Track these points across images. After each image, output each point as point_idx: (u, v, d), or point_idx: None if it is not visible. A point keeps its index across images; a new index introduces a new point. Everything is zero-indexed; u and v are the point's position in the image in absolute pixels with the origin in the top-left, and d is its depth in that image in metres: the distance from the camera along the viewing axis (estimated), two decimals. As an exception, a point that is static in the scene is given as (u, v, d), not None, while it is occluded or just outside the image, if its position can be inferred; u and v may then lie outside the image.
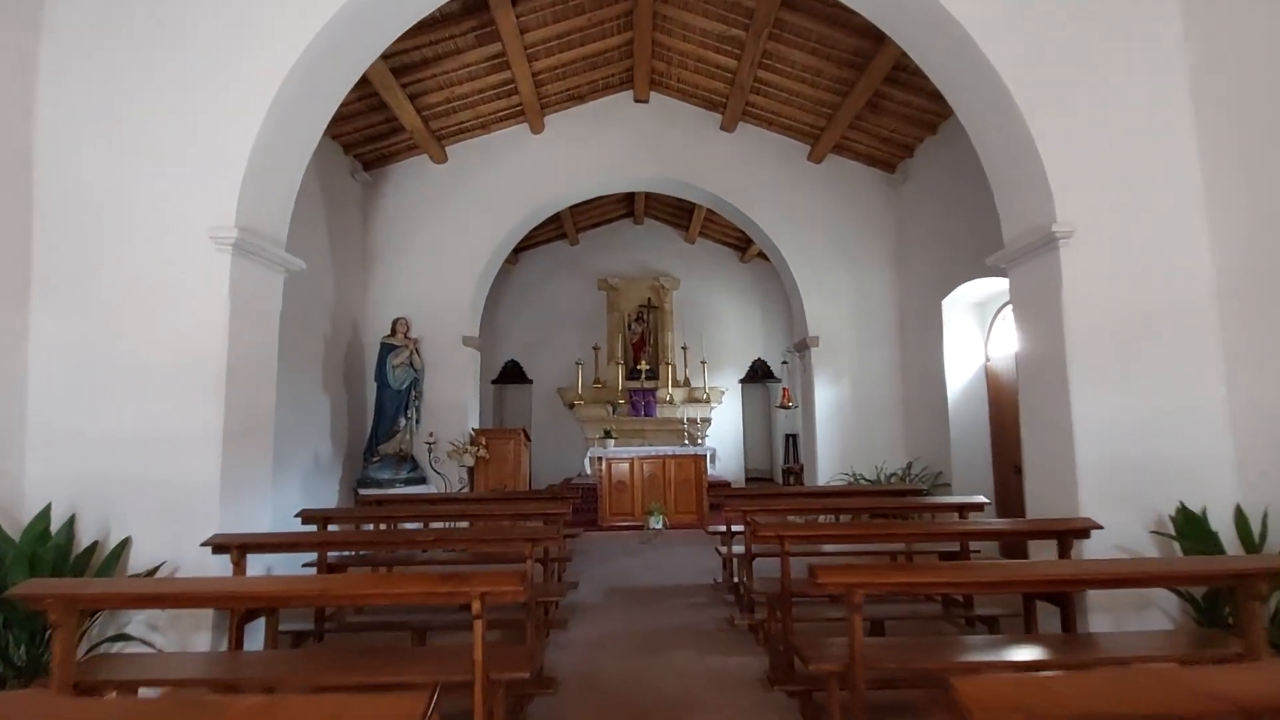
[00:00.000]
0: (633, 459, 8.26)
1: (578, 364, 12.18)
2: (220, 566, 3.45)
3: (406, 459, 7.15)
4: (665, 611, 4.82)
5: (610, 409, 11.87)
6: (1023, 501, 6.23)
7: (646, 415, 11.80)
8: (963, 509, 4.42)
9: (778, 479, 13.38)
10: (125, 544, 3.52)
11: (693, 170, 8.17)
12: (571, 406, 12.18)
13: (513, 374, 13.00)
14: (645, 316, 12.93)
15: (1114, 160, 3.89)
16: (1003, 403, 6.64)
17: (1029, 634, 3.49)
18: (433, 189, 8.10)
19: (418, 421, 7.39)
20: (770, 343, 13.24)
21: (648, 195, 12.07)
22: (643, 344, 12.82)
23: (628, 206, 12.73)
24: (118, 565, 3.45)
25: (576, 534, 5.42)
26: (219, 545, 3.37)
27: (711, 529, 5.46)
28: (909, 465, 7.37)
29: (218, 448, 3.57)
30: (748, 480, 12.88)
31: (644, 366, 12.23)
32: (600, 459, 8.20)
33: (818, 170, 8.30)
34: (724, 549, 5.05)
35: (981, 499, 4.53)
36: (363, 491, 6.91)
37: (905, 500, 4.70)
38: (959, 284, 6.80)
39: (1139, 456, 3.64)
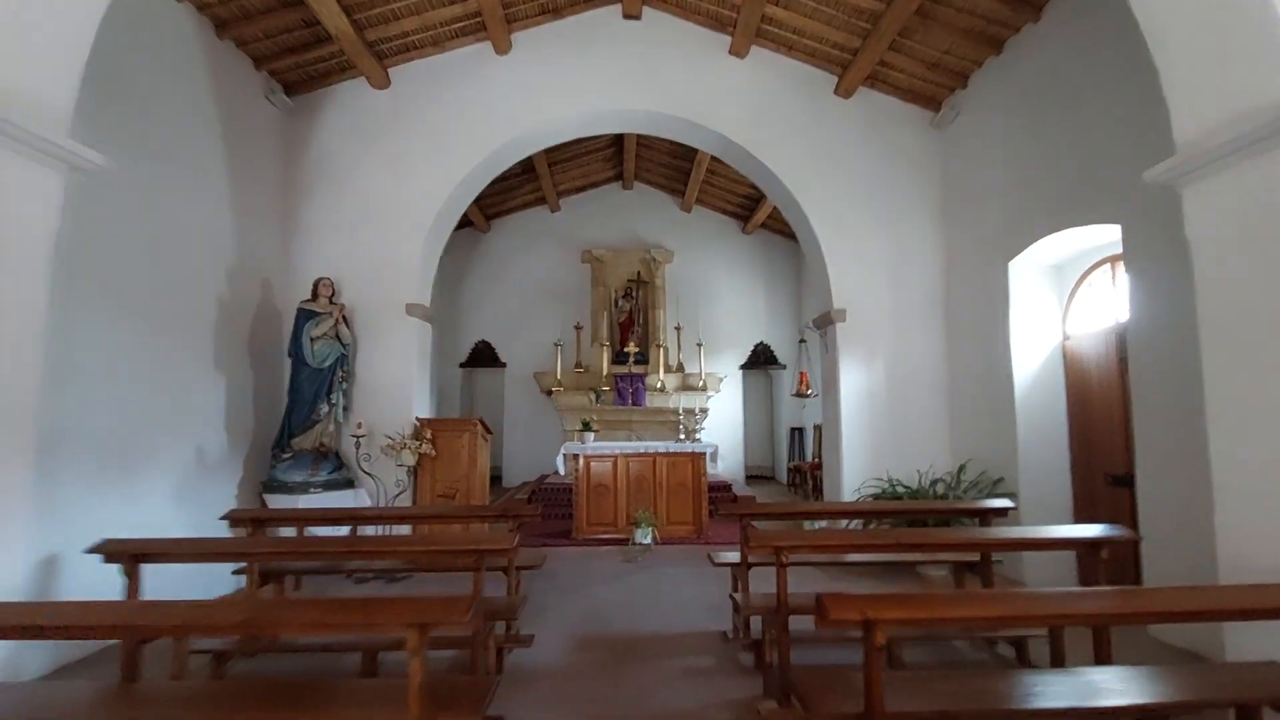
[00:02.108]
0: (616, 456, 6.77)
1: (557, 345, 10.67)
2: None
3: (328, 456, 5.62)
4: (658, 682, 3.35)
5: (593, 396, 10.37)
6: (1122, 520, 4.84)
7: (635, 404, 10.31)
8: (1101, 545, 2.96)
9: (780, 477, 11.97)
10: None
11: (694, 105, 6.64)
12: (549, 393, 10.68)
13: (483, 356, 11.48)
14: (634, 293, 11.42)
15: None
16: (1088, 392, 5.21)
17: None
18: (372, 120, 6.52)
19: (345, 409, 5.86)
20: (775, 324, 11.78)
21: (639, 154, 10.55)
22: (631, 324, 11.32)
23: (616, 167, 11.19)
24: None
25: (535, 564, 3.94)
26: None
27: (719, 560, 3.98)
28: (960, 469, 5.93)
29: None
30: (748, 480, 11.45)
31: (632, 349, 10.73)
32: (577, 456, 6.71)
33: (846, 107, 6.79)
34: (738, 595, 3.57)
35: (1124, 532, 3.08)
36: (269, 498, 5.39)
37: (999, 533, 3.23)
38: (1031, 242, 5.34)
39: None
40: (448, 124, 6.50)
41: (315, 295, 5.85)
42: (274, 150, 6.24)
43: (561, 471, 6.80)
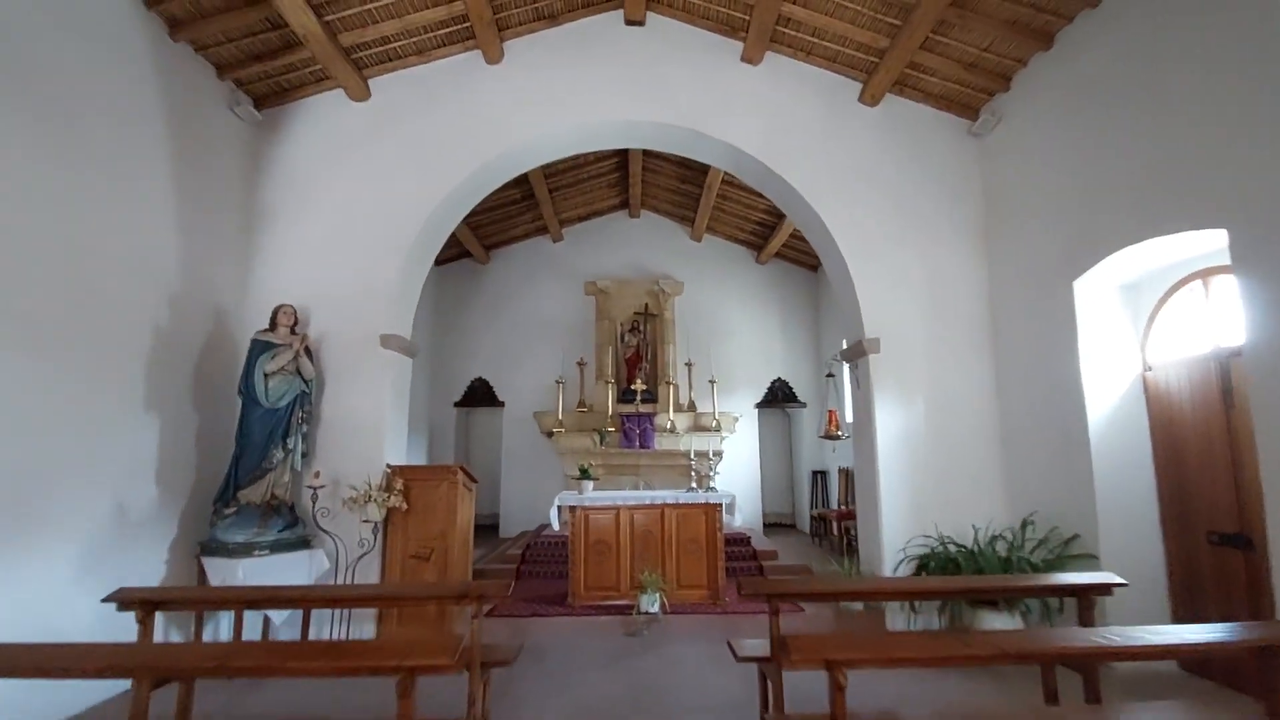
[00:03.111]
0: (619, 508, 5.90)
1: (559, 383, 9.91)
2: None
3: (279, 511, 4.81)
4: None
5: (598, 438, 9.55)
6: (1235, 591, 3.93)
7: (642, 446, 9.46)
8: (1285, 654, 2.09)
9: (802, 525, 10.99)
10: None
11: (704, 117, 6.00)
12: (550, 435, 9.87)
13: (480, 395, 10.73)
14: (641, 327, 10.69)
15: None
16: (1180, 432, 4.34)
17: None
18: (349, 134, 5.92)
19: (304, 455, 5.08)
20: (793, 359, 10.98)
21: (645, 179, 9.98)
22: (638, 360, 10.55)
23: (621, 194, 10.61)
24: None
25: (504, 661, 3.07)
26: None
27: (743, 653, 3.11)
28: (1023, 525, 5.02)
29: None
30: (766, 529, 10.48)
31: (640, 387, 9.94)
32: (574, 508, 5.85)
33: (872, 116, 6.13)
34: (771, 715, 2.69)
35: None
36: (207, 562, 4.57)
37: (1137, 638, 2.33)
38: (1099, 258, 4.56)
39: None
40: (431, 137, 5.89)
41: (274, 325, 5.15)
42: (237, 167, 5.63)
43: (555, 526, 5.94)
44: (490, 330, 10.88)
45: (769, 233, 10.29)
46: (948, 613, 4.86)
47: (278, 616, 4.67)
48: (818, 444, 10.75)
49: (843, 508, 9.01)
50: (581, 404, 10.13)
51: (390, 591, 3.30)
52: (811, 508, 10.35)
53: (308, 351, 5.17)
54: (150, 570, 4.44)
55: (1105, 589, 3.05)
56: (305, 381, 5.10)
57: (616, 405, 9.95)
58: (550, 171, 9.06)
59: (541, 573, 6.96)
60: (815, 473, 10.54)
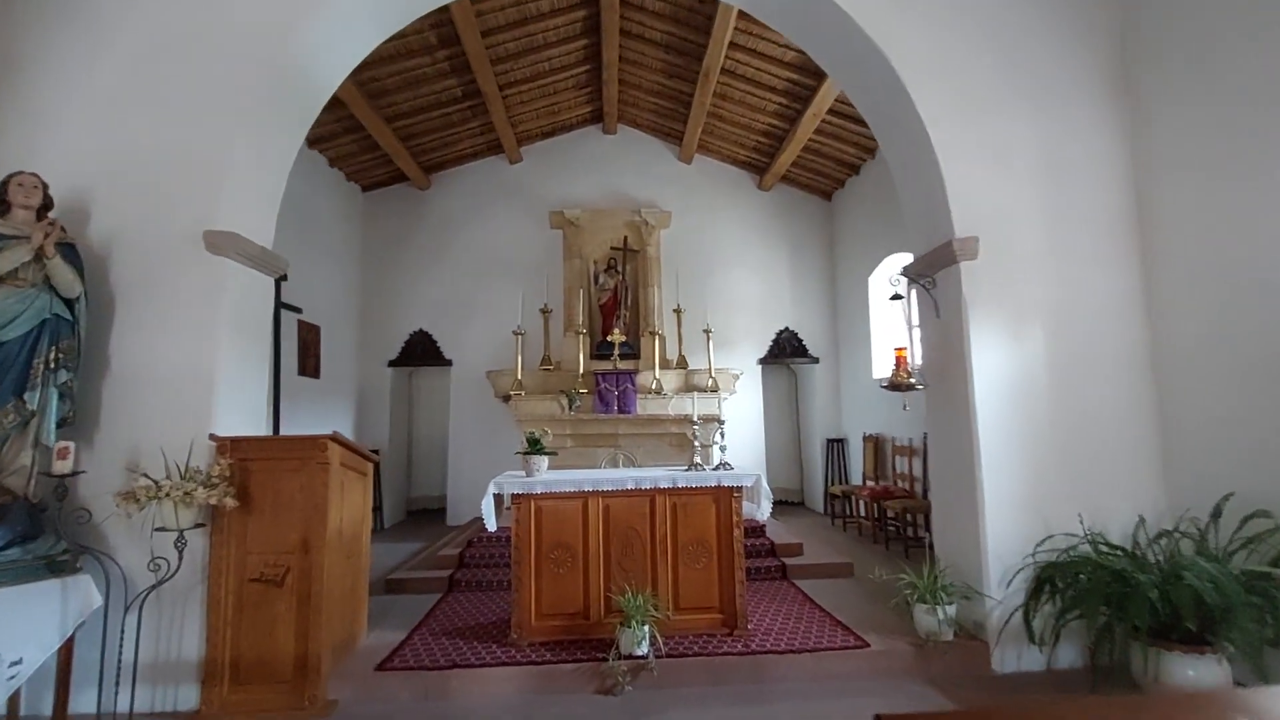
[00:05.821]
0: (587, 495, 4.01)
1: (517, 335, 7.91)
2: None
3: (8, 515, 2.83)
4: None
5: (566, 402, 7.61)
6: None
7: (621, 411, 7.55)
8: None
9: (812, 504, 9.24)
10: None
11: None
12: (507, 399, 7.90)
13: (421, 351, 8.72)
14: (619, 266, 8.69)
15: None
16: None
17: None
18: (160, -74, 3.80)
19: (63, 422, 3.08)
20: (804, 305, 9.11)
21: (622, 74, 7.93)
22: (615, 306, 8.57)
23: (593, 100, 8.54)
24: None
25: None
26: None
27: None
28: (1216, 512, 3.22)
29: None
30: (773, 509, 8.70)
31: (618, 339, 7.99)
32: (521, 497, 3.95)
33: (955, -80, 4.16)
34: None
35: None
36: None
37: None
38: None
39: None
40: (290, -70, 3.80)
41: (4, 205, 3.09)
42: (-31, -37, 3.52)
43: (491, 525, 4.01)
44: (433, 272, 8.83)
45: (775, 149, 8.33)
46: (1108, 644, 3.05)
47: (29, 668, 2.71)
48: (831, 407, 8.97)
49: (871, 484, 7.26)
50: (546, 361, 8.17)
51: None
52: (827, 483, 8.58)
53: (71, 252, 3.14)
54: None
55: None
56: (65, 301, 3.08)
57: (589, 361, 8.01)
58: (499, 54, 6.96)
59: (485, 582, 5.09)
60: (831, 441, 8.76)
